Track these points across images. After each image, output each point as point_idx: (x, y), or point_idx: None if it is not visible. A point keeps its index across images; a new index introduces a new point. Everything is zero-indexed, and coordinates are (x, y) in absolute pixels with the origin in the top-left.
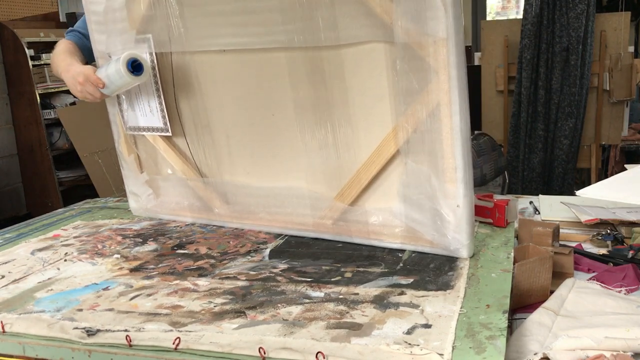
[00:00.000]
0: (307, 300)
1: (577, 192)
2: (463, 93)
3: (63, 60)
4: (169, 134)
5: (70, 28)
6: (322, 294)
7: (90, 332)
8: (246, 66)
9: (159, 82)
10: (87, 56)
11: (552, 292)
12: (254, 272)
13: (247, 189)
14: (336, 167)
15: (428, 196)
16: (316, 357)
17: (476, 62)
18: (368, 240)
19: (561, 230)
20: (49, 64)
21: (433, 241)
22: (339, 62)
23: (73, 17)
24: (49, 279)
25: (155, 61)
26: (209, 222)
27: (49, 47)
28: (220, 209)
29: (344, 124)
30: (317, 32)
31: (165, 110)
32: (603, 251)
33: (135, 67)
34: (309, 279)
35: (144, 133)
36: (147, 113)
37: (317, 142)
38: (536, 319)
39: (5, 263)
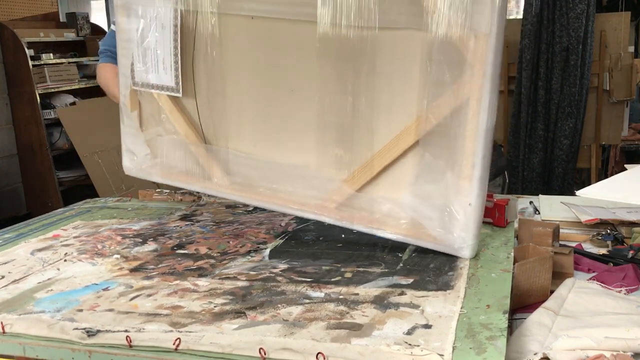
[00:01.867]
0: (307, 301)
1: (577, 192)
2: (495, 91)
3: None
4: (180, 94)
5: (100, 49)
6: (322, 294)
7: (90, 333)
8: (273, 36)
9: (179, 39)
10: None
11: (552, 292)
12: (254, 272)
13: (251, 161)
14: (350, 150)
15: (440, 191)
16: (316, 357)
17: None
18: (370, 229)
19: (561, 230)
20: (49, 64)
21: (437, 237)
22: (371, 45)
23: (73, 17)
24: (48, 279)
25: (179, 18)
26: (205, 191)
27: (49, 47)
28: (219, 179)
29: (365, 109)
30: (354, 10)
31: (179, 69)
32: (603, 251)
33: None
34: (309, 279)
35: (153, 91)
36: (160, 70)
37: (334, 122)
38: (536, 319)
39: (5, 263)
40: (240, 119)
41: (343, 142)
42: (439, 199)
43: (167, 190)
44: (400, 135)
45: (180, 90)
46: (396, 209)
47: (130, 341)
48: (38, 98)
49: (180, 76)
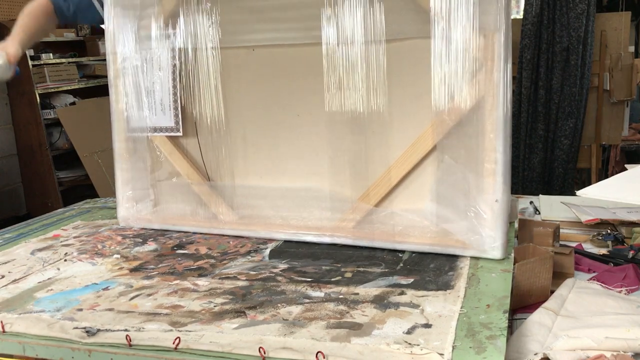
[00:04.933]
0: (307, 300)
1: (577, 192)
2: (508, 85)
3: (16, 25)
4: (180, 134)
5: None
6: (322, 294)
7: (90, 332)
8: (274, 65)
9: (177, 79)
10: (60, 17)
11: (552, 292)
12: (254, 272)
13: (259, 191)
14: (363, 167)
15: (464, 193)
16: (316, 356)
17: None
18: (392, 244)
19: (561, 230)
20: (48, 64)
21: (465, 242)
22: (380, 59)
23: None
24: (48, 279)
25: (177, 57)
26: (210, 231)
27: (49, 47)
28: (225, 215)
29: (377, 123)
30: (358, 27)
31: (179, 109)
32: (603, 251)
33: None
34: (309, 279)
35: (151, 134)
36: (158, 112)
37: (345, 141)
38: (536, 319)
39: (5, 263)
40: (245, 151)
41: (355, 159)
42: (463, 201)
43: None
44: (416, 142)
45: (181, 130)
46: (418, 219)
47: (130, 340)
48: (38, 98)
49: (180, 115)
